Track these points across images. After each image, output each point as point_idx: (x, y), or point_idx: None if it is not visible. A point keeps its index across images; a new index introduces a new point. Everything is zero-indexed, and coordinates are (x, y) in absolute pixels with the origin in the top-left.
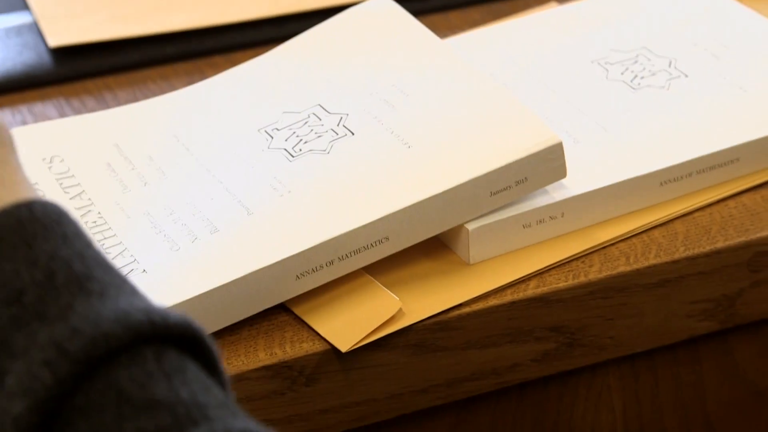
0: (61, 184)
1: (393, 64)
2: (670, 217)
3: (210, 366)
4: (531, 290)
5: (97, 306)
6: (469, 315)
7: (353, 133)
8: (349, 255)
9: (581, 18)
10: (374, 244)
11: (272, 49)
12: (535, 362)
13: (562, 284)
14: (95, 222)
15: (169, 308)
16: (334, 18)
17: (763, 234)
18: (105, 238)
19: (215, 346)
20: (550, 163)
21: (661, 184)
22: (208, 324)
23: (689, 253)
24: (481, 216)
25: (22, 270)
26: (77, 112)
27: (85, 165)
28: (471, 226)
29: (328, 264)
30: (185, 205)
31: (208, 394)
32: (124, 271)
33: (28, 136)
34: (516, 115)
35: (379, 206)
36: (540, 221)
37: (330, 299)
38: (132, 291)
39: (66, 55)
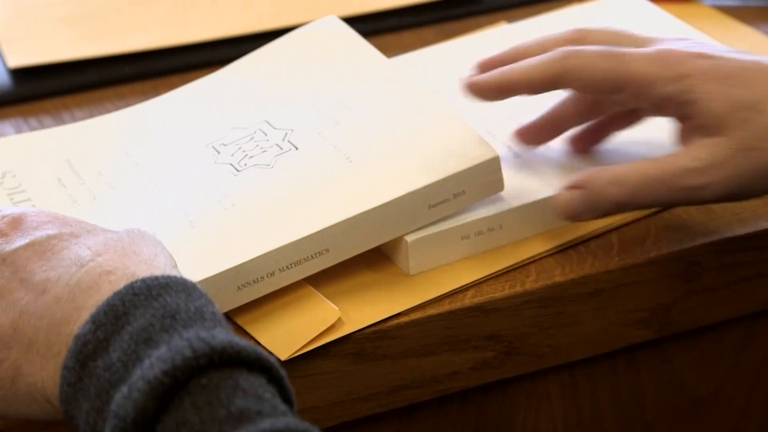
0: (12, 198)
1: (339, 82)
2: (606, 228)
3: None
4: (468, 300)
5: (234, 335)
6: (407, 324)
7: (297, 148)
8: (290, 266)
9: (527, 36)
10: (315, 256)
11: (223, 67)
12: (474, 370)
13: (498, 294)
14: None
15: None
16: (284, 37)
17: (697, 244)
18: None
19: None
20: (487, 176)
21: None
22: None
23: (624, 263)
24: (421, 228)
25: (181, 303)
26: (35, 131)
27: (36, 180)
28: (410, 238)
29: (269, 275)
30: (132, 219)
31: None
32: None
33: None
34: (455, 129)
35: (320, 219)
36: (479, 233)
37: (271, 309)
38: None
39: (25, 75)
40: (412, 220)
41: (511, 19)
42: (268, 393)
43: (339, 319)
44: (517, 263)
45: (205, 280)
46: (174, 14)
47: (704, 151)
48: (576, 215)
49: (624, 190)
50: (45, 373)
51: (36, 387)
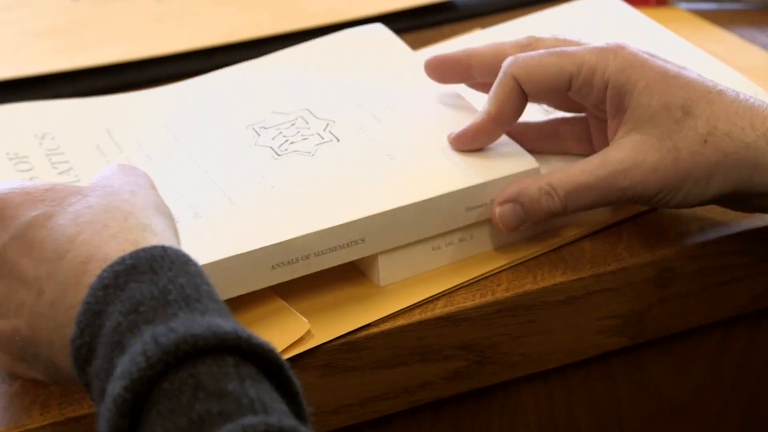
0: (50, 159)
1: (381, 82)
2: (578, 235)
3: (287, 394)
4: (439, 309)
5: (197, 318)
6: (377, 335)
7: (338, 140)
8: (325, 252)
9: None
10: (350, 244)
11: (264, 56)
12: (447, 380)
13: (469, 303)
14: None
15: (257, 336)
16: (328, 36)
17: (669, 250)
18: None
19: (294, 376)
20: None
21: None
22: None
23: (596, 270)
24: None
25: (144, 288)
26: (73, 98)
27: (75, 145)
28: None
29: (304, 258)
30: (169, 190)
31: (273, 400)
32: None
33: (22, 112)
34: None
35: (359, 208)
36: (449, 243)
37: (242, 321)
38: (231, 318)
39: None
40: (449, 219)
41: (485, 25)
42: (234, 382)
43: (308, 332)
44: (488, 272)
45: (242, 255)
46: (145, 27)
47: (629, 150)
48: (514, 228)
49: (556, 200)
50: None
51: (74, 378)
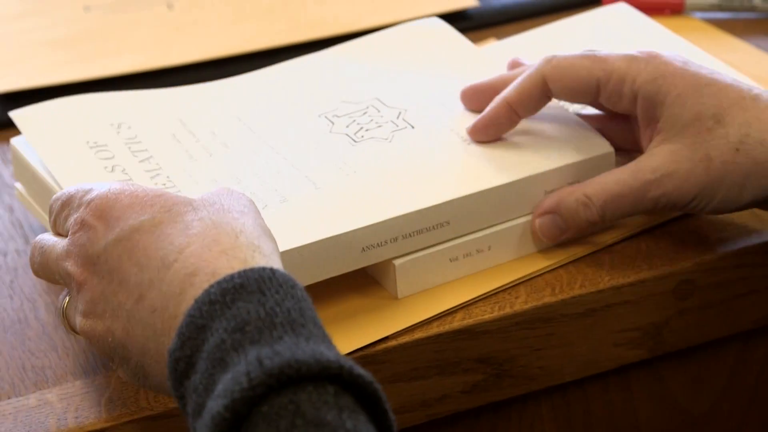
0: (129, 148)
1: (445, 73)
2: (597, 247)
3: (382, 427)
4: (457, 322)
5: (302, 343)
6: (395, 348)
7: (413, 127)
8: (412, 234)
9: (517, 52)
10: (436, 227)
11: (323, 50)
12: (465, 393)
13: (487, 316)
14: (164, 185)
15: (358, 366)
16: (387, 30)
17: (688, 263)
18: None
19: (390, 410)
20: (601, 169)
21: None
22: None
23: (614, 282)
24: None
25: (251, 308)
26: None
27: (151, 134)
28: (398, 261)
29: (393, 240)
30: (252, 176)
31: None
32: None
33: (96, 102)
34: (571, 123)
35: (443, 192)
36: (467, 254)
37: None
38: (333, 346)
39: (11, 99)
40: (529, 203)
41: (500, 36)
42: (333, 412)
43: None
44: (507, 284)
45: (335, 238)
46: (158, 37)
47: (662, 160)
48: (555, 238)
49: (593, 210)
50: (164, 379)
51: (163, 388)
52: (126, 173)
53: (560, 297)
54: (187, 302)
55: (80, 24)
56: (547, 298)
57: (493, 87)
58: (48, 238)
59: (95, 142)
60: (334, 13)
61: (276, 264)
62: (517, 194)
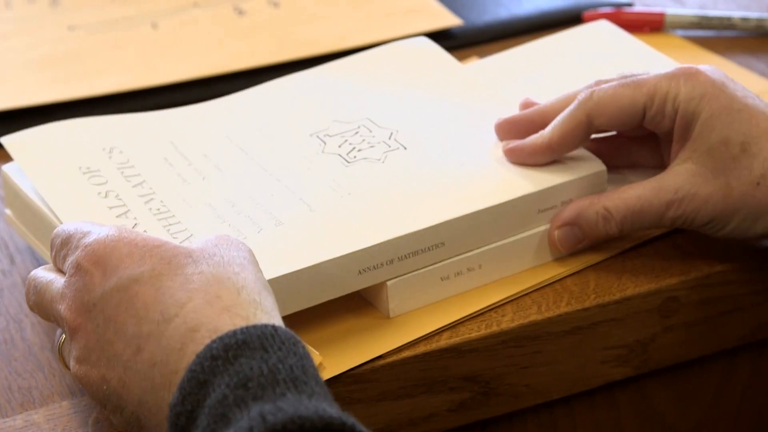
0: (122, 173)
1: (435, 92)
2: (583, 265)
3: None
4: (444, 341)
5: (305, 400)
6: (383, 367)
7: (405, 147)
8: (407, 256)
9: (499, 70)
10: (431, 248)
11: (312, 68)
12: (452, 412)
13: (474, 334)
14: (159, 210)
15: (360, 423)
16: (375, 49)
17: (673, 281)
18: (170, 224)
19: None
20: (593, 188)
21: None
22: (280, 308)
23: (600, 300)
24: (401, 275)
25: (254, 365)
26: (135, 113)
27: (143, 158)
28: (390, 281)
29: (389, 263)
30: (247, 199)
31: None
32: None
33: (87, 126)
34: None
35: (437, 213)
36: (458, 273)
37: None
38: (335, 404)
39: None
40: (522, 222)
41: (482, 54)
42: None
43: (320, 364)
44: (494, 303)
45: (331, 261)
46: (143, 57)
47: (684, 180)
48: (571, 249)
49: (613, 224)
50: (160, 431)
51: None
52: (120, 198)
53: (546, 315)
54: (189, 357)
55: (65, 44)
56: (534, 317)
57: (530, 120)
58: (42, 276)
59: (88, 168)
60: (320, 33)
61: (277, 320)
62: (511, 214)
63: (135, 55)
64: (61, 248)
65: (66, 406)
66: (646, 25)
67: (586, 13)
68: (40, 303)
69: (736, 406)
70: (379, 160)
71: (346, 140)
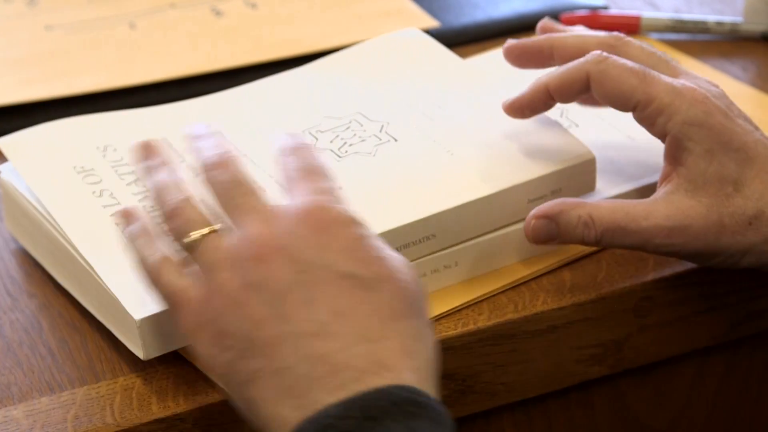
0: (116, 171)
1: (427, 83)
2: (559, 264)
3: None
4: None
5: None
6: None
7: (396, 140)
8: (399, 249)
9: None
10: (422, 240)
11: (304, 65)
12: None
13: (451, 332)
14: (152, 206)
15: None
16: (366, 42)
17: (648, 279)
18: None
19: None
20: (583, 176)
21: None
22: None
23: (576, 299)
24: None
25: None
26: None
27: None
28: None
29: None
30: None
31: None
32: None
33: (81, 125)
34: (551, 130)
35: (427, 205)
36: (434, 270)
37: None
38: None
39: None
40: (513, 212)
41: (462, 56)
42: None
43: None
44: (470, 301)
45: None
46: (121, 56)
47: (677, 211)
48: (541, 242)
49: (592, 233)
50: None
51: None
52: (114, 197)
53: (523, 314)
54: (365, 385)
55: (42, 43)
56: (510, 315)
57: (539, 48)
58: (243, 174)
59: (82, 167)
60: (297, 34)
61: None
62: (502, 204)
63: (112, 55)
64: (290, 159)
65: (45, 402)
66: (623, 28)
67: (564, 16)
68: (228, 190)
69: (709, 405)
70: (370, 153)
71: (337, 135)
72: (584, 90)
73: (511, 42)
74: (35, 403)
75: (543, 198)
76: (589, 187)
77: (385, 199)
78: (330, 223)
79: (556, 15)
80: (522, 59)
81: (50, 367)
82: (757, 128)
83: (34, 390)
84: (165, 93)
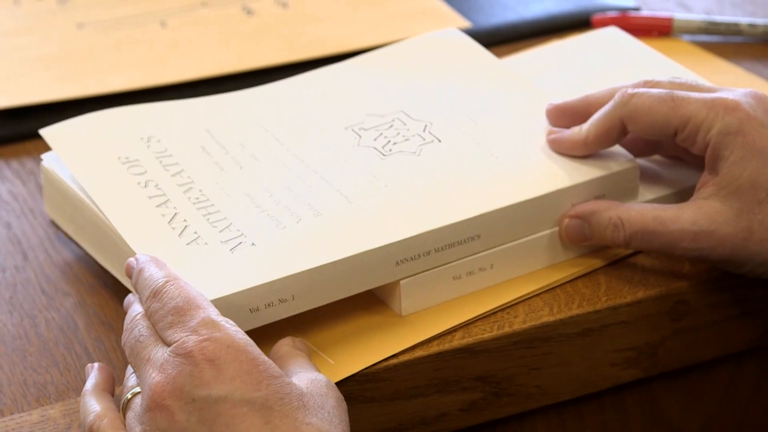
0: (161, 162)
1: (468, 84)
2: (594, 267)
3: None
4: (457, 341)
5: None
6: (396, 366)
7: (440, 140)
8: (444, 248)
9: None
10: (467, 240)
11: (344, 61)
12: (463, 411)
13: (487, 335)
14: (198, 198)
15: None
16: (408, 40)
17: (683, 283)
18: (209, 213)
19: None
20: (626, 183)
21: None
22: (315, 299)
23: (611, 303)
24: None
25: None
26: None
27: (180, 146)
28: (403, 280)
29: (425, 254)
30: (284, 190)
31: None
32: (233, 243)
33: (124, 115)
34: None
35: (473, 206)
36: (470, 273)
37: None
38: None
39: (5, 116)
40: (557, 215)
41: None
42: None
43: (332, 367)
44: (506, 304)
45: (370, 252)
46: (153, 55)
47: (705, 216)
48: (576, 242)
49: (621, 235)
50: None
51: None
52: (159, 188)
53: (558, 317)
54: None
55: (74, 41)
56: (545, 318)
57: (576, 108)
58: (144, 327)
59: (126, 158)
60: (328, 34)
61: None
62: (546, 208)
63: (143, 53)
64: (160, 305)
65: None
66: (655, 30)
67: (595, 17)
68: (133, 349)
69: (742, 410)
70: (414, 153)
71: (381, 133)
72: (623, 133)
73: (550, 106)
74: (72, 403)
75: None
76: (631, 193)
77: (432, 198)
78: (217, 354)
79: (587, 16)
80: (561, 119)
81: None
82: None
83: (71, 389)
84: (196, 92)
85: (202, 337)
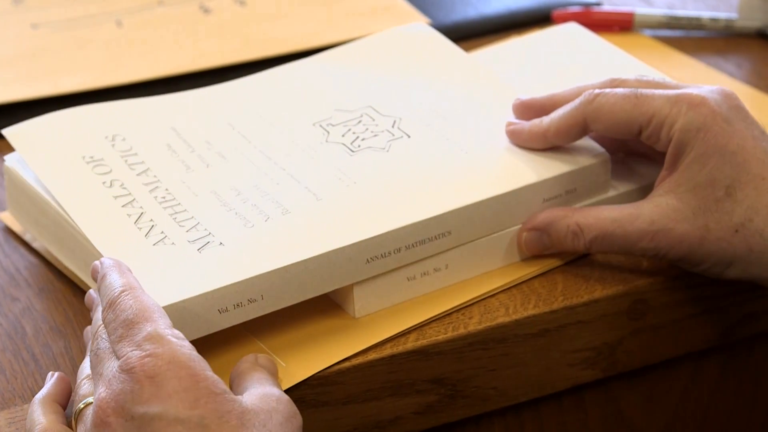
0: (126, 161)
1: (436, 79)
2: (551, 266)
3: None
4: (410, 343)
5: None
6: (349, 369)
7: (409, 136)
8: (415, 245)
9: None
10: (438, 237)
11: (313, 56)
12: (418, 415)
13: (441, 336)
14: (164, 198)
15: None
16: (373, 36)
17: (642, 282)
18: (176, 213)
19: None
20: (597, 177)
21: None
22: (285, 298)
23: (568, 302)
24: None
25: None
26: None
27: (145, 145)
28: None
29: (396, 251)
30: (252, 188)
31: None
32: (201, 243)
33: (88, 114)
34: None
35: (444, 202)
36: (424, 273)
37: (215, 365)
38: None
39: None
40: (526, 211)
41: None
42: None
43: (283, 370)
44: (461, 304)
45: (339, 250)
46: (107, 55)
47: (662, 214)
48: (536, 253)
49: (581, 241)
50: None
51: None
52: (124, 187)
53: (514, 317)
54: None
55: (28, 42)
56: (501, 319)
57: (541, 106)
58: (103, 336)
59: (91, 157)
60: (287, 32)
61: None
62: (517, 203)
63: (99, 53)
64: (113, 316)
65: (27, 409)
66: (616, 25)
67: (556, 13)
68: (92, 361)
69: (703, 409)
70: (383, 149)
71: (349, 129)
72: (583, 132)
73: (516, 101)
74: (17, 410)
75: (558, 197)
76: (603, 187)
77: (402, 195)
78: (157, 370)
79: (548, 12)
80: (526, 114)
81: (33, 373)
82: (763, 133)
83: (17, 397)
84: (153, 92)
85: (145, 353)
